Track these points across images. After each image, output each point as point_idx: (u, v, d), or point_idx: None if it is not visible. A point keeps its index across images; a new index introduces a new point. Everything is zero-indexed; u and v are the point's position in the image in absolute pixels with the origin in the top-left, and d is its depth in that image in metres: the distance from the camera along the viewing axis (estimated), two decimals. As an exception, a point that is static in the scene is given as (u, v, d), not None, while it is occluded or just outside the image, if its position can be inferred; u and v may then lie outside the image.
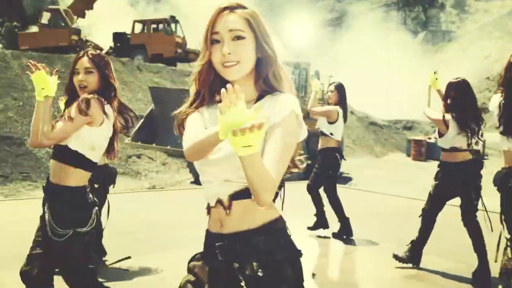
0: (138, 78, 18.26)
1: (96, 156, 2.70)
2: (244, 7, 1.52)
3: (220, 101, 1.22)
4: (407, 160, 19.48)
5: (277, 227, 1.52)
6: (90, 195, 2.69)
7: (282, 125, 1.42)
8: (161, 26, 22.17)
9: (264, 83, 1.53)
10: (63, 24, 22.15)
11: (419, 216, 4.41)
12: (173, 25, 22.07)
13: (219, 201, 1.50)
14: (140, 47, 21.54)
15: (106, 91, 2.74)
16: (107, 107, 2.69)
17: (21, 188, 11.78)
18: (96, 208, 2.71)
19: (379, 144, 21.51)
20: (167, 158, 14.10)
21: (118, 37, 22.20)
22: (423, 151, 19.39)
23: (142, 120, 13.01)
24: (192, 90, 1.62)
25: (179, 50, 21.39)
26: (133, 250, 4.73)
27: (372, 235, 5.77)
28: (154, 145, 12.32)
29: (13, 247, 4.52)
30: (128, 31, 22.33)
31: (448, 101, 4.19)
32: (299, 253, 1.54)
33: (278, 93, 1.52)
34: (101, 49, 22.68)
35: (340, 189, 5.73)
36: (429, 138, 20.26)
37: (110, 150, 2.82)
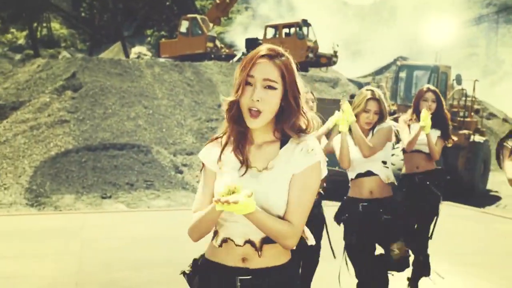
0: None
1: None
2: (281, 55, 1.62)
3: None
4: None
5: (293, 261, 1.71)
6: None
7: (305, 174, 1.59)
8: (292, 30, 21.57)
9: (284, 129, 1.64)
10: (200, 32, 22.71)
11: None
12: (305, 29, 21.33)
13: (250, 242, 1.60)
14: (271, 52, 21.14)
15: None
16: None
17: (144, 197, 11.90)
18: None
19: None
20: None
21: (250, 43, 22.08)
22: None
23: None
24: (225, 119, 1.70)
25: (310, 55, 20.57)
26: None
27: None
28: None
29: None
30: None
31: None
32: None
33: (303, 136, 1.64)
34: (234, 56, 22.85)
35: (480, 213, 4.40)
36: None
37: None
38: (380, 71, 23.34)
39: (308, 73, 20.02)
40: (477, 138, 13.42)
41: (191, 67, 17.12)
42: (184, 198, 11.44)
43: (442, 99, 4.22)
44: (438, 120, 4.08)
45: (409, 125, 4.09)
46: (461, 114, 13.61)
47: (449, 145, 4.16)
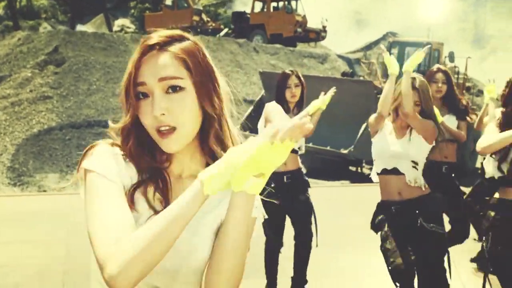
0: (254, 60, 17.47)
1: None
2: (180, 39, 1.07)
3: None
4: None
5: None
6: None
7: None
8: (281, 4, 21.12)
9: (211, 148, 1.11)
10: (185, 4, 22.13)
11: None
12: (293, 3, 20.91)
13: None
14: (259, 27, 20.73)
15: None
16: None
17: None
18: None
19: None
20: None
21: (237, 17, 21.61)
22: None
23: (252, 107, 12.21)
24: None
25: (299, 29, 20.20)
26: None
27: None
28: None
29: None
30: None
31: None
32: None
33: None
34: (221, 30, 22.37)
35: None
36: None
37: None
38: (369, 47, 23.08)
39: (296, 49, 19.69)
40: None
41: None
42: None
43: (453, 79, 4.03)
44: (450, 103, 3.90)
45: None
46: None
47: (472, 121, 4.03)
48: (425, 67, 12.92)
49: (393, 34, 22.58)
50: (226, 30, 21.92)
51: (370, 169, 12.67)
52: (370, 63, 14.16)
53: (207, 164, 1.08)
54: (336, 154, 10.06)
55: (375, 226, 2.96)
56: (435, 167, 3.86)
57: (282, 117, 2.31)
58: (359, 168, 10.89)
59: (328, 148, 10.19)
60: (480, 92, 22.14)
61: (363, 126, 9.38)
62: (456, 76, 13.11)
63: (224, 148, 1.09)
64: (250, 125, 11.67)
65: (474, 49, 32.84)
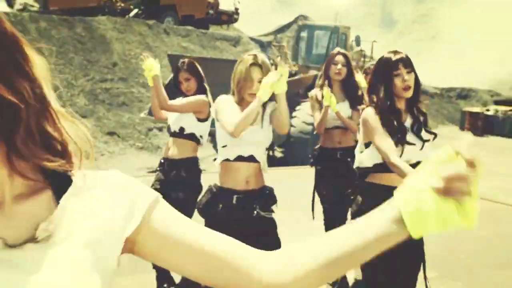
0: (164, 43, 16.95)
1: None
2: None
3: None
4: (460, 135, 17.52)
5: None
6: None
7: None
8: (192, -16, 20.59)
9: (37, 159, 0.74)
10: (91, -17, 20.95)
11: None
12: (204, -16, 20.46)
13: None
14: (170, 8, 20.09)
15: None
16: None
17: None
18: None
19: (429, 116, 19.51)
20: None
21: (144, -4, 20.79)
22: (479, 124, 17.33)
23: (160, 92, 11.83)
24: None
25: (211, 11, 19.82)
26: None
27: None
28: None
29: None
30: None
31: None
32: None
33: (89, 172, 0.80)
34: (130, 11, 21.45)
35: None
36: (488, 110, 18.13)
37: None
38: (281, 30, 23.20)
39: (208, 31, 19.35)
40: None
41: (82, 22, 15.75)
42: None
43: (352, 64, 3.98)
44: (347, 89, 3.85)
45: (319, 102, 3.76)
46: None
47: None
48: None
49: (305, 17, 22.86)
50: (136, 11, 21.04)
51: (282, 152, 12.61)
52: (281, 47, 14.18)
53: (39, 182, 0.76)
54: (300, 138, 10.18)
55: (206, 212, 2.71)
56: (330, 154, 3.83)
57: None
58: (271, 152, 10.91)
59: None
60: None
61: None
62: (362, 59, 13.47)
63: (52, 149, 0.77)
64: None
65: (382, 33, 34.18)
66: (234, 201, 2.61)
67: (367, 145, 2.59)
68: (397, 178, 2.26)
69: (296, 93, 10.99)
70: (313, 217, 3.94)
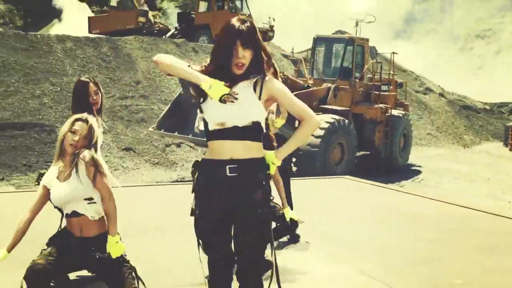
0: (192, 61, 17.09)
1: None
2: None
3: None
4: (503, 152, 16.23)
5: None
6: None
7: None
8: (225, 3, 20.80)
9: None
10: (131, 5, 21.69)
11: None
12: (238, 2, 20.59)
13: None
14: (204, 27, 20.37)
15: None
16: None
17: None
18: None
19: (472, 132, 18.29)
20: (204, 148, 12.85)
21: (182, 17, 21.25)
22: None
23: (168, 106, 11.86)
24: None
25: (243, 29, 19.85)
26: None
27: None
28: (176, 133, 11.01)
29: None
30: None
31: None
32: None
33: None
34: (168, 31, 21.96)
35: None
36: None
37: None
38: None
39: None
40: (395, 112, 13.12)
41: (108, 41, 16.24)
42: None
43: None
44: None
45: None
46: (384, 88, 13.29)
47: None
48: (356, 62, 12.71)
49: (342, 33, 22.35)
50: (172, 31, 21.53)
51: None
52: (297, 60, 13.88)
53: None
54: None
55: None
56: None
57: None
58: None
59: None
60: (427, 90, 22.03)
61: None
62: (379, 71, 12.88)
63: None
64: (166, 125, 11.37)
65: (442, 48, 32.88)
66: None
67: None
68: None
69: (309, 106, 10.62)
70: None
